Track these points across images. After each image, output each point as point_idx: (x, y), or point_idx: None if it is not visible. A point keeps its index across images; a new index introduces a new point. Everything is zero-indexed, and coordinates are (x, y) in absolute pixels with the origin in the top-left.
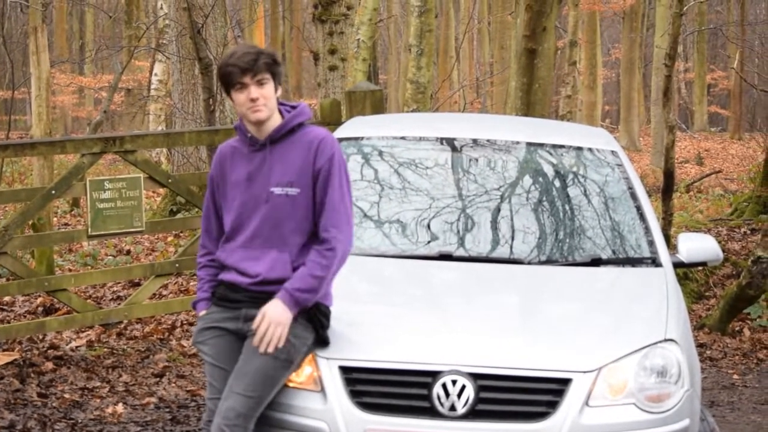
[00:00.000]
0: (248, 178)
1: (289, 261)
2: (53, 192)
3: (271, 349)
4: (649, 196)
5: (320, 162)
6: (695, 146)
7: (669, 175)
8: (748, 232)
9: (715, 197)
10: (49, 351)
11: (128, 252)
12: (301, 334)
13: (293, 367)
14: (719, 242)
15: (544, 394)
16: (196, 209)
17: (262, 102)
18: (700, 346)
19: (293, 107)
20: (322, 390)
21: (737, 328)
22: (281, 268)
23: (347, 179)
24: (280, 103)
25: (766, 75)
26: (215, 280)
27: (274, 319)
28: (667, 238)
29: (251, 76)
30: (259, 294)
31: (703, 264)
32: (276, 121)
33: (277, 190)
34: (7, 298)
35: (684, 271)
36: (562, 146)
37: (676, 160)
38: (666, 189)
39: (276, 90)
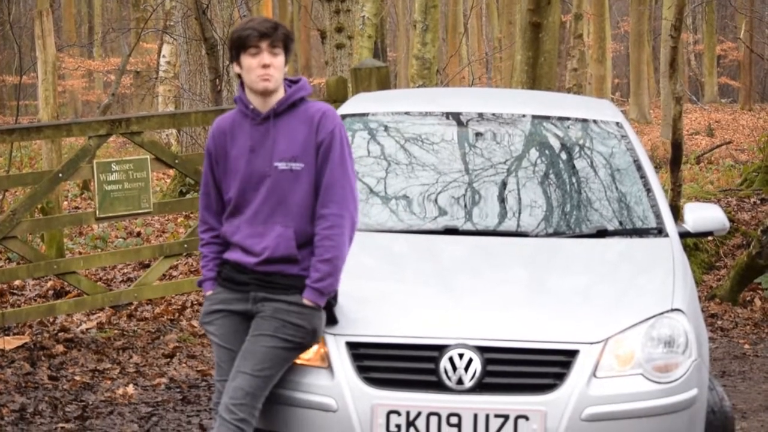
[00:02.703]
0: (251, 151)
1: (294, 237)
2: (60, 175)
3: None
4: (659, 167)
5: (321, 135)
6: (705, 118)
7: (677, 146)
8: (758, 202)
9: (726, 168)
10: (59, 334)
11: (138, 234)
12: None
13: (303, 350)
14: (729, 212)
15: (551, 366)
16: None
17: (272, 71)
18: (711, 316)
19: (294, 81)
20: (330, 366)
21: (748, 298)
22: (285, 245)
23: (350, 153)
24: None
25: None
26: (219, 257)
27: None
28: (677, 209)
29: (268, 43)
30: (266, 275)
31: (710, 234)
32: (280, 94)
33: (281, 165)
34: (17, 282)
35: (694, 241)
36: (567, 118)
37: (686, 132)
38: (674, 160)
39: (285, 65)
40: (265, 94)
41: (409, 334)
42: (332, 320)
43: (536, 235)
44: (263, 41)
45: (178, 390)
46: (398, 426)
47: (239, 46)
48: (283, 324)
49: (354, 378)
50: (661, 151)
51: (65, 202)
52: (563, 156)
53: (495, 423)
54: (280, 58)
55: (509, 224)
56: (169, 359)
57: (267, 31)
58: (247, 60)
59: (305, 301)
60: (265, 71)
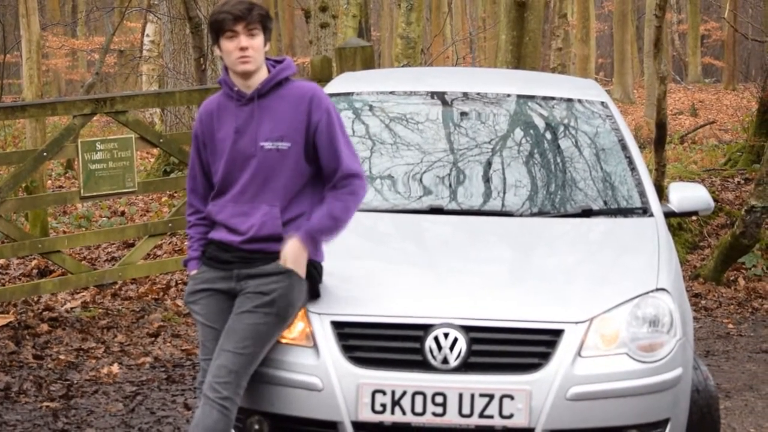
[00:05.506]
0: (236, 132)
1: (279, 216)
2: (45, 154)
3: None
4: (643, 147)
5: (317, 116)
6: (689, 97)
7: (661, 126)
8: (742, 181)
9: (710, 148)
10: (44, 313)
11: (122, 213)
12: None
13: (286, 324)
14: (713, 192)
15: (536, 345)
16: None
17: (251, 52)
18: (695, 296)
19: (278, 61)
20: (315, 345)
21: (732, 278)
22: (271, 224)
23: (345, 129)
24: (265, 59)
25: (759, 25)
26: (205, 238)
27: (293, 259)
28: (661, 189)
29: (243, 26)
30: (250, 253)
31: (695, 213)
32: (263, 74)
33: (267, 145)
34: (1, 261)
35: (678, 221)
36: (552, 98)
37: (670, 112)
38: (658, 140)
39: (265, 44)
40: (246, 75)
41: (394, 314)
42: (315, 294)
43: (521, 215)
44: (239, 24)
45: (162, 369)
46: (383, 405)
47: (216, 30)
48: (261, 295)
49: (339, 357)
50: (645, 130)
51: (49, 181)
52: (548, 136)
53: (480, 402)
54: (258, 39)
55: (494, 204)
56: (153, 338)
57: (241, 13)
58: (225, 44)
59: (295, 239)
60: (243, 53)
